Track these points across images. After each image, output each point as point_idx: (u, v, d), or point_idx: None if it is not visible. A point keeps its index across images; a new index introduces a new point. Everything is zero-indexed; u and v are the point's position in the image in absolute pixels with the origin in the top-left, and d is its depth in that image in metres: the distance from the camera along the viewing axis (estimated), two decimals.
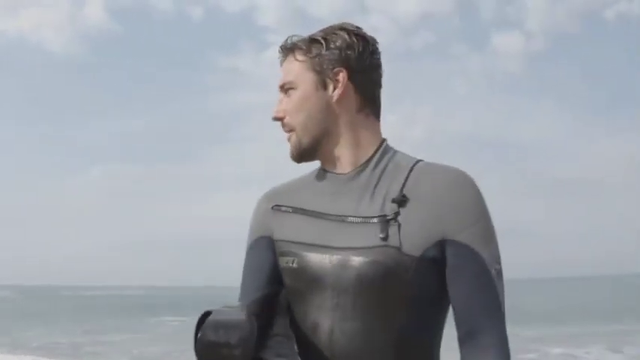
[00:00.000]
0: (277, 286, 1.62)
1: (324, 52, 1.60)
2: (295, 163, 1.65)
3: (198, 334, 1.40)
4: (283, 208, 1.66)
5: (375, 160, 1.60)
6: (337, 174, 1.62)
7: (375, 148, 1.62)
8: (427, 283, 1.51)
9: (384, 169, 1.59)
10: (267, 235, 1.67)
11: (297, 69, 1.61)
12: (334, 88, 1.60)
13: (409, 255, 1.49)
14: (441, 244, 1.51)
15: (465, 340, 1.51)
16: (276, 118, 1.63)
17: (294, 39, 1.64)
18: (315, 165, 1.69)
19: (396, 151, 1.64)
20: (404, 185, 1.55)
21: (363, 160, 1.60)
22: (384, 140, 1.65)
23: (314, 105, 1.60)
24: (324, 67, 1.60)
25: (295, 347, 1.52)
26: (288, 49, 1.64)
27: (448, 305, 1.56)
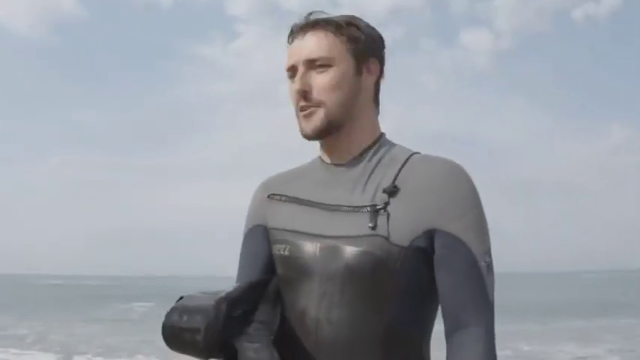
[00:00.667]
0: (269, 274, 1.63)
1: (362, 38, 1.60)
2: (306, 140, 1.62)
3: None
4: (277, 197, 1.68)
5: (372, 151, 1.62)
6: (334, 164, 1.64)
7: (374, 139, 1.63)
8: (416, 273, 1.51)
9: (380, 160, 1.60)
10: (262, 223, 1.69)
11: (335, 47, 1.59)
12: (367, 77, 1.62)
13: (397, 245, 1.49)
14: (430, 234, 1.50)
15: (449, 332, 1.50)
16: (303, 91, 1.58)
17: (324, 16, 1.62)
18: (308, 155, 1.72)
19: (393, 144, 1.66)
20: (397, 176, 1.56)
21: (361, 150, 1.62)
22: (382, 133, 1.67)
23: (351, 86, 1.59)
24: (363, 53, 1.61)
25: (270, 335, 1.51)
26: (317, 24, 1.60)
27: (437, 297, 1.54)
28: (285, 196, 1.67)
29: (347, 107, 1.59)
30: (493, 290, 1.52)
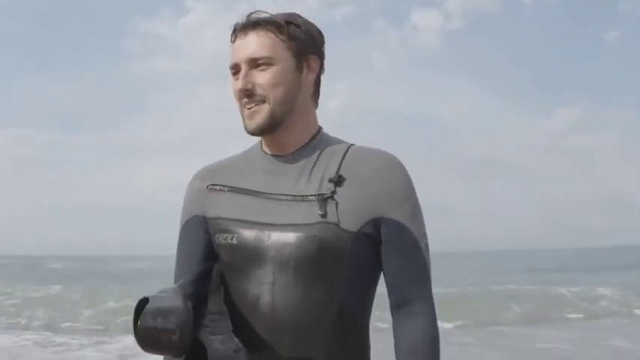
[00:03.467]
0: (209, 263, 1.68)
1: (302, 36, 1.67)
2: (251, 135, 1.68)
3: (138, 322, 1.46)
4: (218, 187, 1.71)
5: (312, 144, 1.70)
6: (274, 155, 1.70)
7: (313, 133, 1.72)
8: (363, 257, 1.62)
9: (321, 152, 1.69)
10: (200, 214, 1.72)
11: (276, 46, 1.64)
12: (307, 73, 1.69)
13: (347, 230, 1.59)
14: (376, 222, 1.62)
15: (396, 308, 1.64)
16: (246, 89, 1.63)
17: (265, 15, 1.67)
18: (242, 145, 1.78)
19: (330, 137, 1.74)
20: (340, 166, 1.65)
21: (302, 143, 1.69)
22: (320, 127, 1.75)
23: (291, 83, 1.66)
24: (303, 50, 1.67)
25: (230, 324, 1.57)
26: (258, 24, 1.65)
27: (378, 280, 1.68)
28: (227, 186, 1.70)
29: (288, 104, 1.65)
30: (430, 268, 1.67)
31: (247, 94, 1.64)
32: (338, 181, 1.63)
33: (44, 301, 18.83)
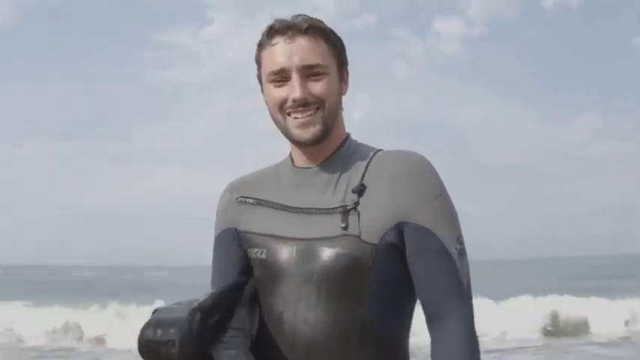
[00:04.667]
0: (243, 278, 1.65)
1: (339, 45, 1.64)
2: (305, 146, 1.63)
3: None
4: (249, 201, 1.69)
5: (339, 152, 1.64)
6: (303, 167, 1.66)
7: (340, 141, 1.66)
8: (389, 269, 1.53)
9: (347, 161, 1.63)
10: (232, 227, 1.70)
11: (326, 54, 1.60)
12: (344, 83, 1.66)
13: (368, 243, 1.52)
14: (399, 228, 1.53)
15: (428, 324, 1.54)
16: (303, 99, 1.57)
17: (314, 20, 1.61)
18: (273, 158, 1.75)
19: (359, 144, 1.69)
20: (364, 175, 1.59)
21: (329, 153, 1.64)
22: (348, 134, 1.69)
23: (338, 93, 1.64)
24: (341, 60, 1.65)
25: (247, 342, 1.54)
26: (308, 29, 1.58)
27: (414, 294, 1.57)
28: (256, 199, 1.68)
29: (337, 114, 1.63)
30: (468, 276, 1.55)
31: (303, 104, 1.57)
32: (360, 190, 1.57)
33: None
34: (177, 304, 1.51)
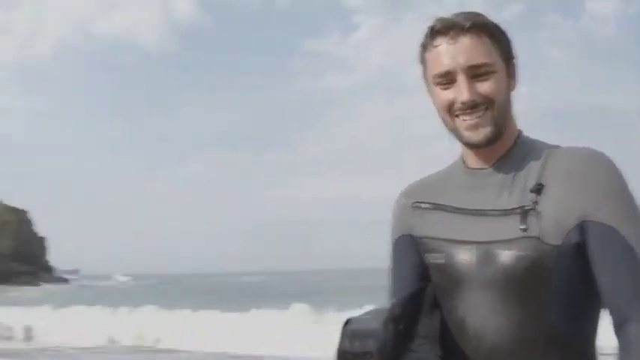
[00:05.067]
0: (423, 284, 1.62)
1: (505, 39, 1.58)
2: (476, 148, 1.58)
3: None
4: (423, 205, 1.66)
5: (512, 152, 1.59)
6: (476, 169, 1.61)
7: (513, 139, 1.60)
8: (572, 271, 1.47)
9: (522, 160, 1.57)
10: (408, 233, 1.68)
11: (491, 51, 1.54)
12: (512, 78, 1.59)
13: (550, 244, 1.46)
14: (581, 227, 1.46)
15: (616, 328, 1.44)
16: (472, 101, 1.52)
17: (476, 17, 1.55)
18: (444, 161, 1.71)
19: (532, 140, 1.62)
20: (540, 173, 1.53)
21: (503, 152, 1.59)
22: (520, 131, 1.63)
23: (507, 90, 1.58)
24: (507, 55, 1.58)
25: (438, 350, 1.52)
26: (471, 27, 1.53)
27: (599, 294, 1.48)
28: (431, 203, 1.65)
29: (507, 113, 1.57)
30: None
31: (472, 106, 1.52)
32: (538, 189, 1.50)
33: None
34: (368, 313, 1.51)
